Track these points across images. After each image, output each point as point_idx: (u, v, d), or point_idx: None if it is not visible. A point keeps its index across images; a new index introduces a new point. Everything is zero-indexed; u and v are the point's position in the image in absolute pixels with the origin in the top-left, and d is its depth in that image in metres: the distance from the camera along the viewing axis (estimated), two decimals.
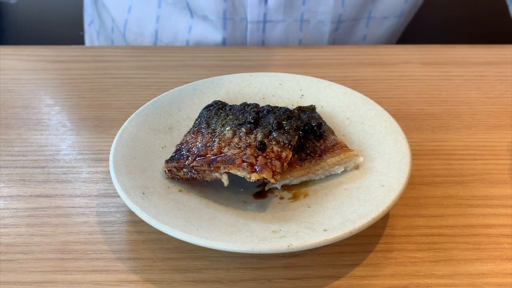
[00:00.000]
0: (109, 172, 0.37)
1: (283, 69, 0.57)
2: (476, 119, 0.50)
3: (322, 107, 0.44)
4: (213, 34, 0.67)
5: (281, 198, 0.37)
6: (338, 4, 0.67)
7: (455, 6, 1.05)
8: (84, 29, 0.86)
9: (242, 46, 0.66)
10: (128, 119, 0.40)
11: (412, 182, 0.40)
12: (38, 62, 0.57)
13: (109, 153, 0.37)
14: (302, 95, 0.46)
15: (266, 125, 0.37)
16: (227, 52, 0.60)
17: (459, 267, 0.34)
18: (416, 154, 0.43)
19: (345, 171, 0.39)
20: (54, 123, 0.46)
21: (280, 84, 0.46)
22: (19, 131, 0.45)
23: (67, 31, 0.97)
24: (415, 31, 0.82)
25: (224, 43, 0.67)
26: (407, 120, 0.48)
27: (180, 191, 0.35)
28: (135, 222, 0.35)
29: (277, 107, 0.40)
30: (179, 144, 0.38)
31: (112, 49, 0.66)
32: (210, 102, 0.42)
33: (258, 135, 0.36)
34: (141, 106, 0.42)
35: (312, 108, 0.43)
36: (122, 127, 0.39)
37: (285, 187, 0.38)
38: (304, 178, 0.38)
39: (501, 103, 0.52)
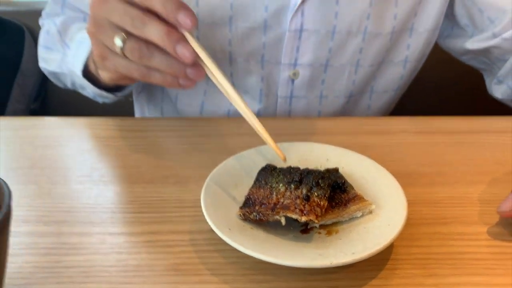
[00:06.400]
0: (193, 216, 0.52)
1: (307, 136, 0.68)
2: (456, 177, 0.60)
3: (343, 167, 0.56)
4: (251, 105, 0.79)
5: (319, 233, 0.49)
6: (349, 83, 0.82)
7: (443, 82, 1.21)
8: (134, 97, 0.97)
9: (275, 117, 0.79)
10: (208, 177, 0.53)
11: (409, 223, 0.50)
12: (104, 131, 0.70)
13: (190, 202, 0.53)
14: (327, 159, 0.59)
15: (307, 182, 0.51)
16: (264, 122, 0.74)
17: (442, 279, 0.46)
18: (411, 203, 0.52)
19: (362, 215, 0.51)
20: (142, 181, 0.60)
21: (311, 151, 0.60)
22: (119, 187, 0.60)
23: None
24: (408, 99, 0.96)
25: (259, 112, 0.82)
26: (405, 178, 0.56)
27: (251, 228, 0.49)
28: (220, 250, 0.48)
29: (313, 170, 0.54)
30: (247, 195, 0.52)
31: (165, 121, 0.78)
32: (264, 165, 0.57)
33: (303, 190, 0.50)
34: (210, 168, 0.55)
35: (336, 170, 0.55)
36: (205, 183, 0.52)
37: (322, 226, 0.50)
38: (334, 220, 0.50)
39: (475, 164, 0.63)
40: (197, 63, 0.54)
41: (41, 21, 0.87)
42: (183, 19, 0.50)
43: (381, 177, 0.55)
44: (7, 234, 0.37)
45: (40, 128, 0.74)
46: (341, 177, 0.55)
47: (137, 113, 0.98)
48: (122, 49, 0.53)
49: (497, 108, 0.86)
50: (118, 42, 0.53)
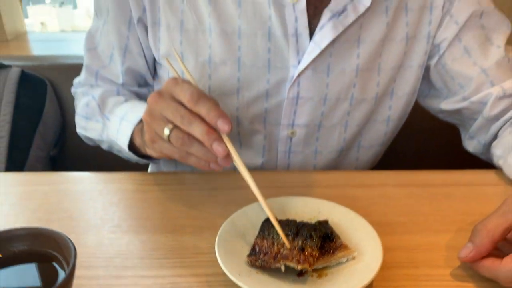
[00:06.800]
0: (208, 261, 0.63)
1: (303, 189, 0.78)
2: (427, 225, 0.69)
3: (332, 219, 0.67)
4: (255, 159, 0.92)
5: (312, 276, 0.58)
6: (340, 140, 0.93)
7: (424, 136, 1.32)
8: None
9: (275, 171, 0.90)
10: (221, 228, 0.64)
11: (386, 266, 0.59)
12: (120, 184, 0.82)
13: (205, 249, 0.63)
14: (319, 212, 0.70)
15: (302, 234, 0.63)
16: (265, 176, 0.82)
17: None
18: (389, 249, 0.62)
19: (347, 260, 0.60)
20: (165, 231, 0.71)
21: (306, 205, 0.72)
22: (145, 236, 0.71)
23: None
24: (391, 153, 1.08)
25: (262, 165, 0.93)
26: (384, 226, 0.66)
27: (257, 273, 0.60)
28: None
29: (307, 223, 0.66)
30: (253, 245, 0.64)
31: (181, 175, 0.88)
32: (266, 218, 0.69)
33: (299, 242, 0.62)
34: (221, 218, 0.65)
35: (326, 221, 0.64)
36: (218, 235, 0.63)
37: (314, 270, 0.58)
38: (324, 265, 0.59)
39: (444, 214, 0.71)
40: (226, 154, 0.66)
41: (73, 90, 1.00)
42: (221, 125, 0.62)
43: (363, 228, 0.65)
44: (72, 280, 0.49)
45: (73, 182, 0.86)
46: (330, 228, 0.67)
47: (152, 165, 1.09)
48: (168, 136, 0.65)
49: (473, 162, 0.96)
50: (166, 132, 0.66)
